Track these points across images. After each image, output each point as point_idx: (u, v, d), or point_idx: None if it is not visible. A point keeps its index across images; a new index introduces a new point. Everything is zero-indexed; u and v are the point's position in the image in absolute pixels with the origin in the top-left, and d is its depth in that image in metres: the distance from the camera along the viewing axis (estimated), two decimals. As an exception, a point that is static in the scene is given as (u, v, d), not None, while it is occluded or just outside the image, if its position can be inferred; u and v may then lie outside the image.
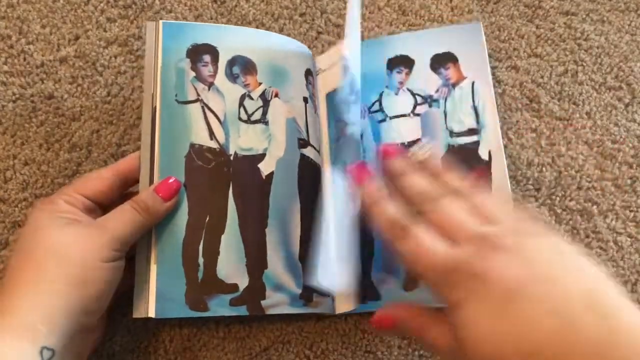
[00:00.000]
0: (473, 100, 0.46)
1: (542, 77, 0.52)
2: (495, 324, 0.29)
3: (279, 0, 0.54)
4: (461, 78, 0.47)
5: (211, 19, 0.54)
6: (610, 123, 0.51)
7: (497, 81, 0.52)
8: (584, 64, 0.52)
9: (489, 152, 0.45)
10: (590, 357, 0.27)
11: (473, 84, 0.47)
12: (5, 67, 0.51)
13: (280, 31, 0.54)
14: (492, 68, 0.52)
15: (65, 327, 0.35)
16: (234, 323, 0.45)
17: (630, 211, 0.48)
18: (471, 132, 0.46)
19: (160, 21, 0.45)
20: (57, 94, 0.51)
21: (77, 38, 0.53)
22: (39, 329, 0.33)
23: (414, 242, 0.33)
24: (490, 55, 0.53)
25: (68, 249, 0.36)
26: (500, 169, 0.45)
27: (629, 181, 0.49)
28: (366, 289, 0.44)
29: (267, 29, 0.54)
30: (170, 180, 0.40)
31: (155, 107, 0.43)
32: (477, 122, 0.46)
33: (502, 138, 0.50)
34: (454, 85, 0.47)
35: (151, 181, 0.41)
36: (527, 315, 0.29)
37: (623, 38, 0.53)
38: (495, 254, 0.31)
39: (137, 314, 0.39)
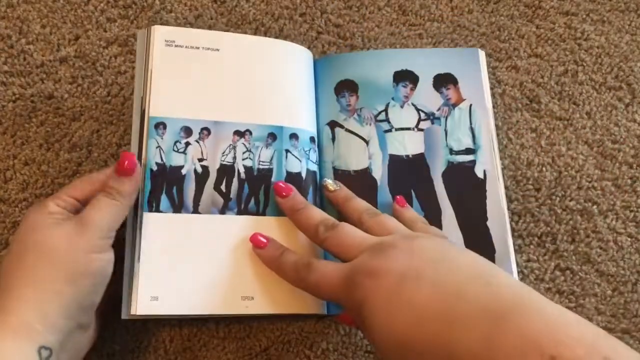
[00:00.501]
0: (470, 122, 0.48)
1: (542, 77, 0.52)
2: (389, 310, 0.33)
3: (279, 0, 0.54)
4: (460, 100, 0.49)
5: (211, 19, 0.54)
6: (610, 123, 0.51)
7: (497, 81, 0.52)
8: (584, 64, 0.52)
9: (484, 172, 0.47)
10: (479, 319, 0.30)
11: (470, 106, 0.49)
12: (5, 67, 0.51)
13: (280, 31, 0.54)
14: (492, 68, 0.52)
15: (61, 325, 0.35)
16: (234, 323, 0.45)
17: (631, 211, 0.48)
18: (468, 151, 0.48)
19: (153, 26, 0.46)
20: (57, 94, 0.51)
21: (77, 38, 0.53)
22: (36, 328, 0.34)
23: (313, 276, 0.38)
24: (490, 55, 0.53)
25: (57, 247, 0.36)
26: (494, 188, 0.47)
27: (629, 181, 0.49)
28: None
29: (267, 29, 0.54)
30: (124, 158, 0.41)
31: (145, 110, 0.44)
32: (474, 142, 0.48)
33: (503, 138, 0.50)
34: (454, 106, 0.49)
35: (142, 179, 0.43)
36: (415, 294, 0.33)
37: (623, 38, 0.53)
38: (386, 252, 0.35)
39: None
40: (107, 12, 0.54)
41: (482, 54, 0.51)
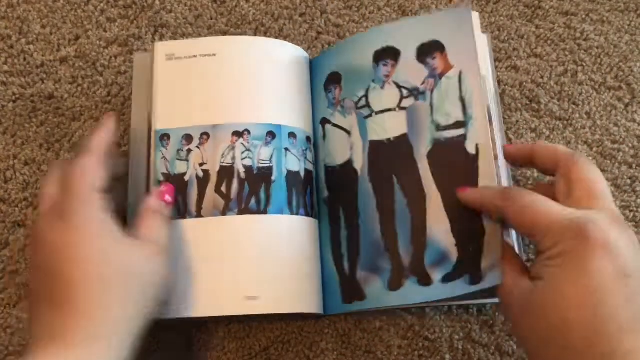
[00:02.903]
0: (460, 91, 0.43)
1: (541, 77, 0.52)
2: (579, 280, 0.32)
3: (279, 0, 0.55)
4: (448, 68, 0.44)
5: (211, 19, 0.54)
6: (610, 123, 0.51)
7: (497, 81, 0.52)
8: (584, 64, 0.52)
9: (476, 146, 0.41)
10: None
11: (460, 73, 0.43)
12: (6, 67, 0.51)
13: (280, 31, 0.54)
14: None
15: (132, 340, 0.36)
16: (234, 323, 0.45)
17: (630, 211, 0.48)
18: (458, 125, 0.42)
19: (156, 44, 0.47)
20: (57, 94, 0.51)
21: (77, 38, 0.53)
22: (114, 340, 0.35)
23: (529, 199, 0.35)
24: (490, 55, 0.53)
25: (134, 270, 0.37)
26: (488, 164, 0.41)
27: (628, 181, 0.49)
28: (352, 290, 0.44)
29: (267, 29, 0.54)
30: (162, 191, 0.43)
31: (151, 124, 0.46)
32: (465, 113, 0.42)
33: (503, 138, 0.50)
34: (440, 76, 0.44)
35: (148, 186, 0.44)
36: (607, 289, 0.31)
37: (623, 38, 0.53)
38: (622, 229, 0.33)
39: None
40: (107, 12, 0.54)
41: (475, 16, 0.46)
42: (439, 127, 0.43)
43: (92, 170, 0.38)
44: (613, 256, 0.32)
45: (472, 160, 0.41)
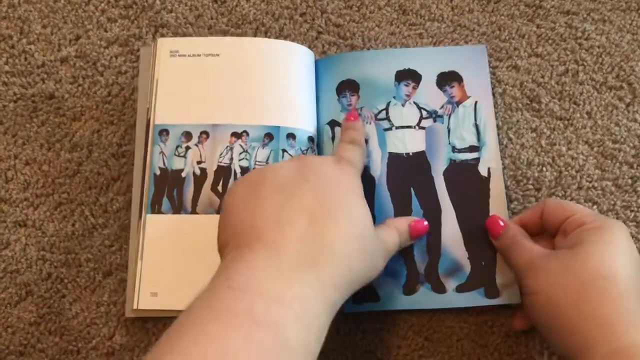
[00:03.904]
0: (475, 119, 0.48)
1: (542, 76, 0.52)
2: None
3: (280, 0, 0.54)
4: (465, 97, 0.49)
5: (212, 18, 0.54)
6: (611, 123, 0.51)
7: (497, 81, 0.52)
8: (585, 64, 0.52)
9: (488, 169, 0.47)
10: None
11: (476, 103, 0.49)
12: (7, 67, 0.52)
13: (281, 31, 0.54)
14: (493, 68, 0.52)
15: (341, 296, 0.36)
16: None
17: (631, 211, 0.48)
18: (472, 149, 0.47)
19: (159, 39, 0.48)
20: (58, 94, 0.51)
21: (77, 38, 0.53)
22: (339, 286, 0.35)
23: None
24: (490, 55, 0.53)
25: (373, 247, 0.38)
26: (498, 186, 0.46)
27: (629, 181, 0.49)
28: (365, 290, 0.44)
29: (268, 29, 0.54)
30: (421, 225, 0.44)
31: (150, 118, 0.46)
32: (478, 140, 0.48)
33: (503, 138, 0.50)
34: (457, 104, 0.49)
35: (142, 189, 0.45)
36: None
37: (624, 37, 0.53)
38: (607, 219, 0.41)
39: None
40: (107, 12, 0.54)
41: (486, 52, 0.51)
42: (454, 149, 0.47)
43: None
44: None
45: (484, 182, 0.47)
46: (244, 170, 0.45)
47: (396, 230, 0.42)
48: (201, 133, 0.46)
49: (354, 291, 0.36)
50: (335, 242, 0.34)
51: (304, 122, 0.47)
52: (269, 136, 0.46)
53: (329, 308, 0.34)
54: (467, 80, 0.49)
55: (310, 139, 0.47)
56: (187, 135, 0.46)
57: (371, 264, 0.38)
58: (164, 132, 0.46)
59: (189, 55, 0.48)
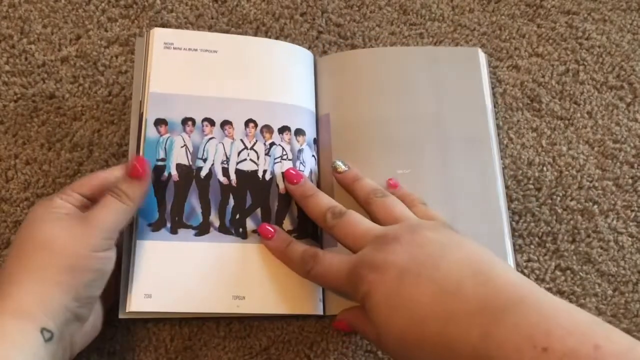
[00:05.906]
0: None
1: (543, 76, 0.52)
2: (390, 306, 0.34)
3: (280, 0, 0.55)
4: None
5: (212, 18, 0.54)
6: (611, 122, 0.51)
7: (497, 81, 0.52)
8: (585, 64, 0.52)
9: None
10: (477, 317, 0.31)
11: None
12: (7, 67, 0.52)
13: (281, 31, 0.54)
14: (493, 68, 0.52)
15: (59, 312, 0.36)
16: (234, 322, 0.45)
17: (632, 211, 0.48)
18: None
19: (152, 29, 0.46)
20: (58, 94, 0.51)
21: (78, 38, 0.53)
22: (36, 312, 0.35)
23: (320, 268, 0.39)
24: (491, 55, 0.53)
25: (58, 241, 0.37)
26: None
27: (630, 181, 0.49)
28: None
29: (268, 29, 0.54)
30: (136, 162, 0.41)
31: (142, 112, 0.45)
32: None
33: (504, 137, 0.50)
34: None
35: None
36: (414, 290, 0.33)
37: (625, 37, 0.53)
38: (389, 246, 0.36)
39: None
40: (108, 12, 0.54)
41: (481, 55, 0.50)
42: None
43: (88, 179, 0.41)
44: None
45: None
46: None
47: (113, 199, 0.39)
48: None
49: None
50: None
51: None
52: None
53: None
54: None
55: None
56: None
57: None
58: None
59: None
